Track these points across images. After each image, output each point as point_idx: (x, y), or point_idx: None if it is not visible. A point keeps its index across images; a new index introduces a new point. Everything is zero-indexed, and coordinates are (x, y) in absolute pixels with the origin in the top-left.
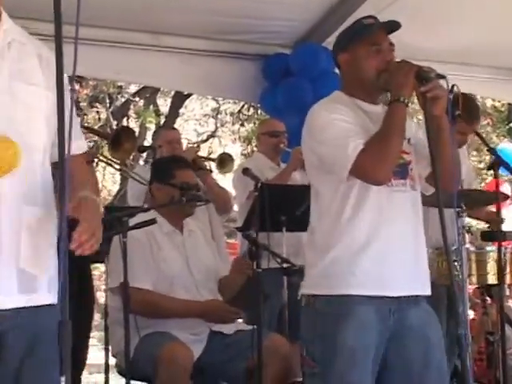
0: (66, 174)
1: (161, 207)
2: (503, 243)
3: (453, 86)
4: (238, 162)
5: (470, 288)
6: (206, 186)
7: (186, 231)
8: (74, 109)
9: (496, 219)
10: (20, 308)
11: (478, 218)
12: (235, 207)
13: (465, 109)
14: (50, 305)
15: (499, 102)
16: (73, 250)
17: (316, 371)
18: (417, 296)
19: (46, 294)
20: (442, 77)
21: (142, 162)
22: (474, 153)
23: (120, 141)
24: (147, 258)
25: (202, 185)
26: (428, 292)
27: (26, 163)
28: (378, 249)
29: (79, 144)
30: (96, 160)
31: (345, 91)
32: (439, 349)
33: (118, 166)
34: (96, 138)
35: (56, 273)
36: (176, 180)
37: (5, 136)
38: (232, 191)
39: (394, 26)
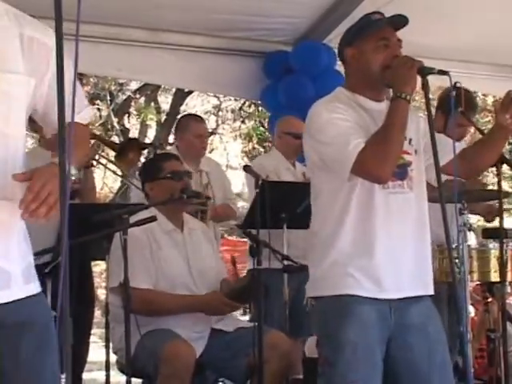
0: (65, 171)
1: (162, 204)
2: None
3: (455, 83)
4: (238, 159)
5: (471, 285)
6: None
7: (186, 229)
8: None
9: (491, 213)
10: None
11: (472, 212)
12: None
13: (467, 104)
14: (31, 296)
15: (500, 98)
16: (22, 217)
17: (325, 370)
18: (421, 296)
19: (23, 286)
20: (445, 73)
21: (143, 159)
22: None
23: (125, 151)
24: (147, 258)
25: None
26: (430, 292)
27: (6, 153)
28: (377, 251)
29: (81, 116)
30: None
31: (348, 87)
32: (442, 344)
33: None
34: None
35: (32, 260)
36: (164, 172)
37: None
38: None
39: (401, 21)
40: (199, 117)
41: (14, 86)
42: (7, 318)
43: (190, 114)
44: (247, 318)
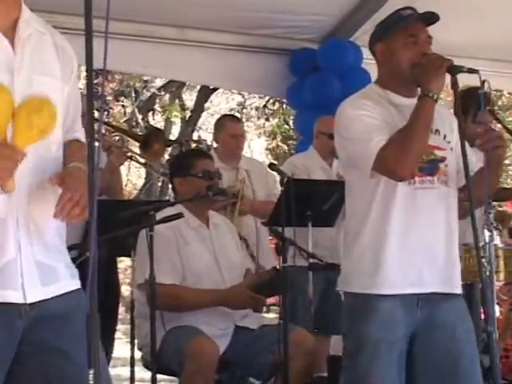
0: (94, 175)
1: (187, 201)
2: None
3: (483, 82)
4: (263, 156)
5: (497, 285)
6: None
7: (212, 225)
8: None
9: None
10: (44, 300)
11: None
12: None
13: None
14: (74, 291)
15: None
16: (57, 217)
17: (348, 364)
18: (449, 294)
19: (69, 281)
20: (475, 71)
21: (166, 156)
22: None
23: (150, 142)
24: (173, 253)
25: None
26: (458, 291)
27: (47, 153)
28: (400, 248)
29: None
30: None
31: (379, 83)
32: (471, 344)
33: (142, 161)
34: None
35: (70, 260)
36: (196, 169)
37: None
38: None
39: (432, 17)
40: (236, 117)
41: (52, 90)
42: (57, 309)
43: (227, 115)
44: (271, 316)
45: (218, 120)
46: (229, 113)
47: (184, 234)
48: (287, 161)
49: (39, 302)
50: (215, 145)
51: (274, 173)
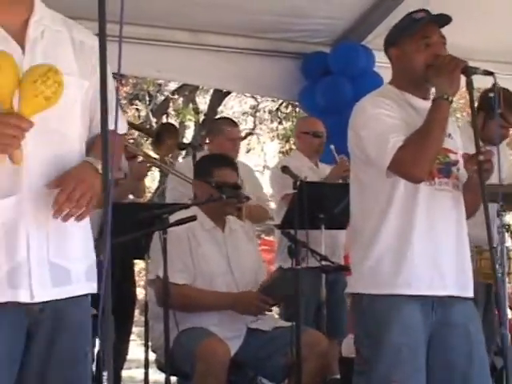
0: (108, 169)
1: (199, 204)
2: None
3: (494, 84)
4: (276, 159)
5: (510, 287)
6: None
7: (228, 229)
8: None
9: None
10: (53, 300)
11: None
12: (272, 205)
13: (506, 104)
14: (83, 295)
15: None
16: (55, 217)
17: (364, 369)
18: (462, 297)
19: (81, 284)
20: (490, 73)
21: (180, 159)
22: None
23: (163, 137)
24: (186, 254)
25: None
26: (471, 294)
27: (62, 152)
28: (422, 248)
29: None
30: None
31: (395, 84)
32: (482, 344)
33: (158, 163)
34: (135, 135)
35: (94, 262)
36: (213, 178)
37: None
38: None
39: (444, 19)
40: (233, 121)
41: (69, 87)
42: (65, 311)
43: (224, 118)
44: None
45: (214, 123)
46: (226, 116)
47: (197, 235)
48: (279, 164)
49: (49, 301)
50: (206, 145)
51: (286, 177)
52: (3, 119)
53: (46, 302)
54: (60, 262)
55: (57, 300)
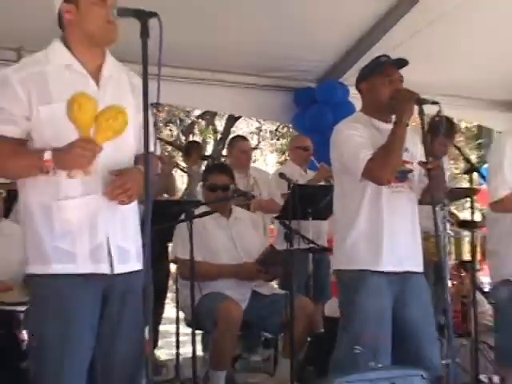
0: (148, 171)
1: (215, 202)
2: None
3: (438, 111)
4: (274, 168)
5: (450, 263)
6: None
7: (233, 217)
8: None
9: None
10: (120, 274)
11: None
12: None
13: (447, 128)
14: (138, 270)
15: (470, 123)
16: (104, 196)
17: (345, 325)
18: (415, 272)
19: (136, 262)
20: (436, 103)
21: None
22: (452, 161)
23: (190, 151)
24: (196, 238)
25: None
26: (421, 269)
27: (121, 162)
28: (386, 235)
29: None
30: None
31: (364, 112)
32: (430, 307)
33: (185, 170)
34: (170, 149)
35: (141, 245)
36: (207, 182)
37: (118, 105)
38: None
39: (402, 62)
40: (245, 137)
41: (131, 123)
42: (126, 284)
43: (238, 136)
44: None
45: (231, 140)
46: (239, 134)
47: (204, 222)
48: (277, 171)
49: (119, 274)
50: (227, 157)
51: (281, 180)
52: (83, 144)
53: (118, 274)
54: (124, 245)
55: (124, 273)
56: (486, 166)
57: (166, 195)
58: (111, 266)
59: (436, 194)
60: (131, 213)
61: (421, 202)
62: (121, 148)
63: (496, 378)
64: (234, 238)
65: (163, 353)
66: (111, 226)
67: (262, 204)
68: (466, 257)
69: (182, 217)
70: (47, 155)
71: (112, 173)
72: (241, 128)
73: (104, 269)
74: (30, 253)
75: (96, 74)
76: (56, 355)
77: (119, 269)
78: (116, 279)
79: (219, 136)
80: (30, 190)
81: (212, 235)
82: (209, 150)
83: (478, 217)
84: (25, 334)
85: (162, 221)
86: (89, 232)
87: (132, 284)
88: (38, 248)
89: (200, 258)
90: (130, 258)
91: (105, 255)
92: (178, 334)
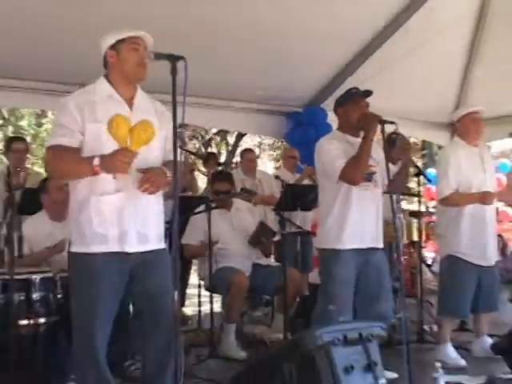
0: (176, 173)
1: (227, 199)
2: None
3: (395, 130)
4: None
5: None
6: (263, 201)
7: (234, 209)
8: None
9: None
10: (142, 252)
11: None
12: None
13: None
14: (159, 249)
15: (416, 138)
16: (138, 188)
17: (322, 288)
18: (376, 248)
19: (157, 243)
20: (393, 123)
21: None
22: None
23: (208, 159)
24: (201, 226)
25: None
26: (381, 246)
27: (150, 165)
28: (355, 222)
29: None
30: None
31: (339, 130)
32: (387, 275)
33: (205, 173)
34: (193, 158)
35: (163, 230)
36: (213, 188)
37: (148, 120)
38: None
39: (369, 93)
40: (251, 150)
41: (156, 135)
42: (146, 259)
43: (246, 149)
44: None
45: (242, 152)
46: (248, 147)
47: (212, 214)
48: (274, 174)
49: (137, 253)
50: (239, 164)
51: (277, 181)
52: (123, 152)
53: (140, 252)
54: (144, 231)
55: (143, 252)
56: (428, 170)
57: (190, 193)
58: (132, 246)
59: (400, 182)
60: (152, 205)
61: (386, 192)
62: (149, 155)
63: (435, 327)
64: (233, 222)
65: (189, 309)
66: (133, 217)
67: (264, 199)
68: (415, 238)
69: (200, 208)
70: (96, 161)
71: (139, 170)
72: (246, 142)
73: (127, 248)
74: (73, 236)
75: (129, 102)
76: (89, 306)
77: (139, 248)
78: (139, 256)
79: (230, 148)
80: (76, 188)
81: (215, 222)
82: (222, 159)
83: (423, 208)
84: None
85: (187, 211)
86: (117, 221)
87: (153, 259)
88: (80, 232)
89: (194, 242)
90: (148, 240)
91: (128, 238)
92: (199, 296)
